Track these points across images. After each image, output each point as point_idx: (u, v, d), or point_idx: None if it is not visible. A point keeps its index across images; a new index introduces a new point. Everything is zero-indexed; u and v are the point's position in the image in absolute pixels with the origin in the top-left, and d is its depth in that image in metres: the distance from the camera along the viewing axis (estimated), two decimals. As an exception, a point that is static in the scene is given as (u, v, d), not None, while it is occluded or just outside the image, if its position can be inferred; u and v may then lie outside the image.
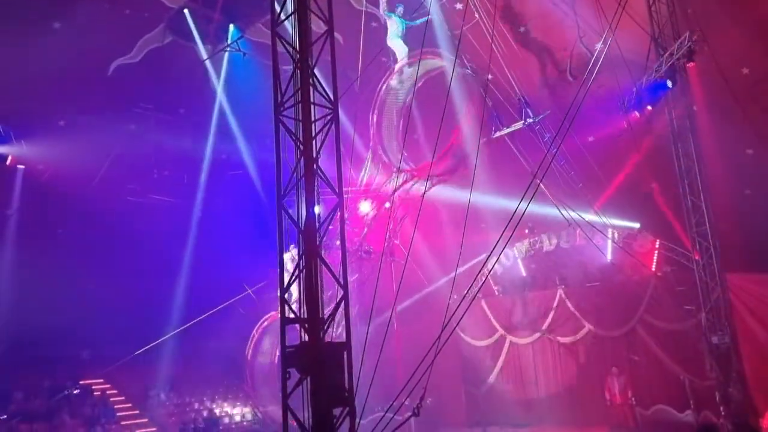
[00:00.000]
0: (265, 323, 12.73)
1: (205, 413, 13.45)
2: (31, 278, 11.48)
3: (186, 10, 11.67)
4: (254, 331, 12.90)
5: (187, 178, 14.05)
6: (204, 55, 12.13)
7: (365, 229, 11.21)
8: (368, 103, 11.76)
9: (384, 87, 11.29)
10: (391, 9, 10.48)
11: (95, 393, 12.95)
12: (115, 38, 11.52)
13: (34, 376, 12.24)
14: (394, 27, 10.42)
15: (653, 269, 11.36)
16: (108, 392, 13.16)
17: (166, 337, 12.41)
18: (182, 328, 12.59)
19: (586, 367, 12.09)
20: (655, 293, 11.20)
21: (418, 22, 10.31)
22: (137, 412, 13.12)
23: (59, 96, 11.16)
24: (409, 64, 10.65)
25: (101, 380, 13.30)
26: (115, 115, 12.24)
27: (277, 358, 12.85)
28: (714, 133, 10.14)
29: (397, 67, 10.81)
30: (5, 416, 11.20)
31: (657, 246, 11.34)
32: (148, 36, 12.03)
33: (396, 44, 10.55)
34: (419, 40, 8.88)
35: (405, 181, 10.76)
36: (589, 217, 10.78)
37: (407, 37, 10.61)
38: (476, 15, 10.55)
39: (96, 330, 12.27)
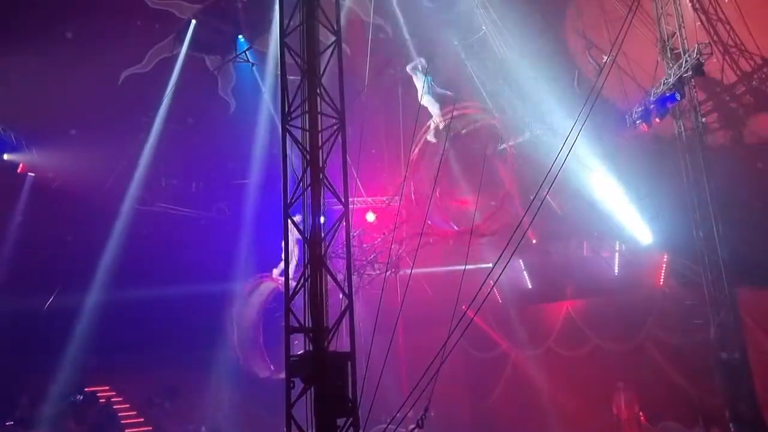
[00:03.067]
0: (257, 281, 12.64)
1: (207, 423, 13.39)
2: (40, 284, 11.56)
3: (194, 22, 11.83)
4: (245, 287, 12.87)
5: (195, 187, 14.14)
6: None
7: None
8: (375, 114, 11.77)
9: (419, 146, 10.83)
10: (415, 67, 10.26)
11: (100, 400, 12.96)
12: (126, 48, 11.69)
13: (40, 382, 12.26)
14: (421, 84, 10.19)
15: (661, 283, 11.25)
16: (113, 399, 13.17)
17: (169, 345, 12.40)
18: (185, 337, 12.58)
19: (593, 381, 11.94)
20: (663, 308, 11.08)
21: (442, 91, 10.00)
22: (142, 419, 13.11)
23: (71, 105, 11.31)
24: (443, 121, 10.24)
25: (107, 387, 13.31)
26: (124, 124, 12.38)
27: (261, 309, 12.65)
28: (723, 145, 10.09)
29: (432, 125, 10.50)
30: (11, 422, 11.24)
31: (665, 259, 11.24)
32: (158, 46, 12.20)
33: (427, 101, 10.25)
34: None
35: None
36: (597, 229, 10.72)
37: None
38: (483, 27, 10.65)
39: (102, 337, 12.31)
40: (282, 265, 11.64)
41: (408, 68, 10.28)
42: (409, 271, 8.81)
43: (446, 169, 10.82)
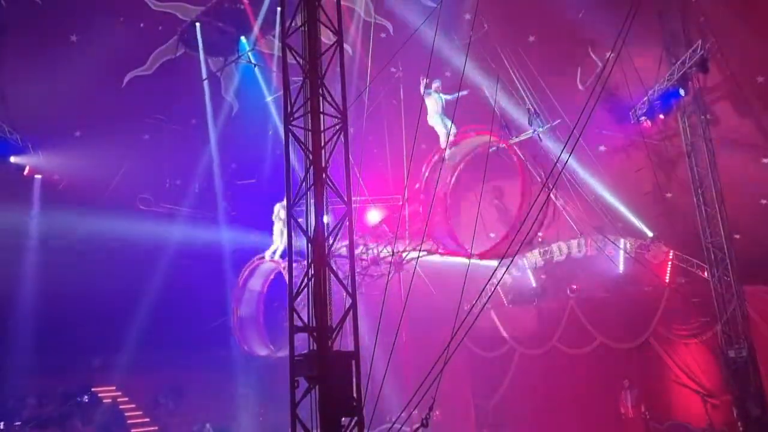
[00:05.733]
0: (255, 263, 12.65)
1: (212, 422, 13.45)
2: (45, 285, 11.66)
3: (198, 24, 11.90)
4: (244, 269, 12.78)
5: (198, 187, 14.21)
6: (204, 70, 12.29)
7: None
8: (376, 113, 11.76)
9: (428, 168, 10.66)
10: (429, 87, 9.77)
11: (106, 400, 13.05)
12: (129, 51, 11.76)
13: (47, 383, 12.37)
14: (433, 104, 9.83)
15: (667, 280, 11.20)
16: (119, 399, 13.26)
17: (174, 345, 12.48)
18: (192, 337, 12.66)
19: (598, 379, 11.90)
20: (669, 305, 11.02)
21: (455, 96, 9.56)
22: (147, 419, 13.19)
23: (76, 107, 11.39)
24: (455, 143, 10.05)
25: (113, 387, 13.41)
26: (128, 125, 12.46)
27: (262, 300, 12.60)
28: (728, 142, 10.02)
29: (442, 145, 10.16)
30: (19, 422, 11.34)
31: (671, 256, 11.18)
32: (161, 48, 12.27)
33: (437, 122, 9.91)
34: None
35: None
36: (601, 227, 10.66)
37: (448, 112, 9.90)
38: (484, 25, 10.63)
39: (108, 337, 12.40)
40: (273, 247, 11.73)
41: (422, 91, 9.91)
42: (411, 270, 8.81)
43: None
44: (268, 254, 11.95)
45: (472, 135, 9.93)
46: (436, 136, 10.51)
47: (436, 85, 9.85)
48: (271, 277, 12.60)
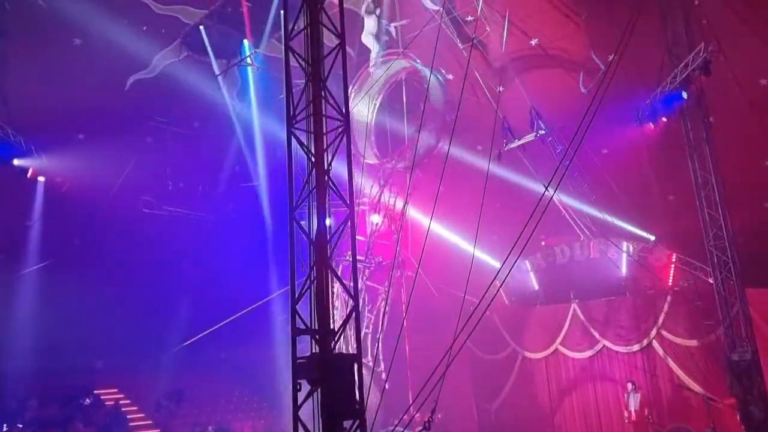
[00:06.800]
0: None
1: (214, 425, 13.43)
2: (48, 288, 11.68)
3: (201, 27, 11.97)
4: None
5: (201, 190, 14.24)
6: (216, 70, 12.41)
7: (371, 238, 11.07)
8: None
9: (362, 75, 11.22)
10: (371, 10, 10.54)
11: (108, 402, 13.04)
12: (132, 54, 11.81)
13: (49, 385, 12.37)
14: (371, 25, 10.52)
15: (670, 283, 11.17)
16: (121, 401, 13.25)
17: (180, 347, 12.48)
18: (195, 338, 12.66)
19: (601, 382, 11.87)
20: (672, 308, 10.99)
21: (394, 25, 10.34)
22: (150, 422, 13.17)
23: (79, 110, 11.43)
24: (383, 62, 10.80)
25: (115, 389, 13.40)
26: (131, 128, 12.51)
27: None
28: (731, 144, 10.00)
29: (371, 63, 10.89)
30: (21, 424, 11.33)
31: (674, 259, 11.16)
32: (164, 52, 12.32)
33: (369, 41, 10.66)
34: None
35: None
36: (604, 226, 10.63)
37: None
38: (487, 28, 10.64)
39: (110, 340, 12.41)
40: None
41: (363, 8, 10.42)
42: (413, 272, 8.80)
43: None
44: None
45: (395, 58, 10.35)
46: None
47: (379, 11, 10.35)
48: None
